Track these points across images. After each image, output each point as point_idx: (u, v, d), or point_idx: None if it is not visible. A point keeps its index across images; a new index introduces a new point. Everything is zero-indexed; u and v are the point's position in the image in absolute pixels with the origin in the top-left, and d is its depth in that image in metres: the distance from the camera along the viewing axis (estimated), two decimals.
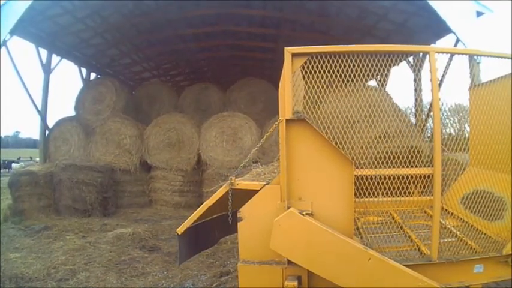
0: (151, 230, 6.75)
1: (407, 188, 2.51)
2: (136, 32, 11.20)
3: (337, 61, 2.31)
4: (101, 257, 5.34)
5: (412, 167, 2.46)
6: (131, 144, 9.56)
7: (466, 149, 2.64)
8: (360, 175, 2.45)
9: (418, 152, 2.50)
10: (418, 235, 2.70)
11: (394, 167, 2.46)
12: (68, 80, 15.76)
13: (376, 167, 2.51)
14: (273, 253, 2.34)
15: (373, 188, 2.46)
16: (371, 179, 2.46)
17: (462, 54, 2.55)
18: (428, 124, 3.43)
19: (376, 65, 2.34)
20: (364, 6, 8.39)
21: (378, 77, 2.46)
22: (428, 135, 2.98)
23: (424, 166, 2.59)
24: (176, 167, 9.42)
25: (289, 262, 2.35)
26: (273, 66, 12.46)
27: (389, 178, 2.44)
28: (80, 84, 11.73)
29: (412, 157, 2.47)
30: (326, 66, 2.31)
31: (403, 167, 2.46)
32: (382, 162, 2.49)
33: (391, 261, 2.18)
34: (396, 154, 2.49)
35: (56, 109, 12.54)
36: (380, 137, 3.52)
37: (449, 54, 2.47)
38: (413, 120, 4.64)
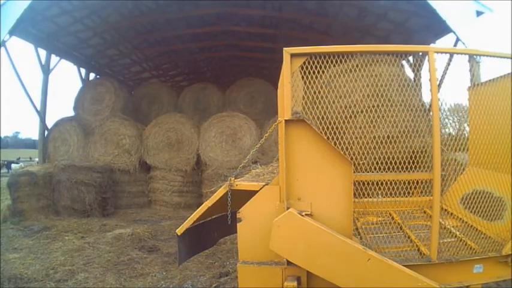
0: (150, 231, 6.74)
1: (407, 189, 2.50)
2: (136, 32, 11.20)
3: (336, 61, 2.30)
4: (100, 257, 5.33)
5: (419, 169, 2.43)
6: (130, 145, 9.55)
7: (465, 149, 2.63)
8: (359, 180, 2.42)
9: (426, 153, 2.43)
10: (417, 235, 2.69)
11: (400, 170, 2.41)
12: (67, 80, 15.76)
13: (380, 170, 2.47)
14: (272, 254, 2.34)
15: (373, 189, 2.46)
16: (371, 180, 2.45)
17: (461, 54, 2.54)
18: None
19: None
20: (364, 5, 8.40)
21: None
22: None
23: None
24: (175, 167, 9.40)
25: (289, 263, 2.34)
26: (273, 66, 12.48)
27: (390, 182, 2.43)
28: (79, 85, 11.74)
29: (421, 158, 2.43)
30: (325, 67, 2.30)
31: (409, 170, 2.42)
32: (386, 165, 2.43)
33: (390, 261, 2.17)
34: (407, 156, 2.42)
35: (55, 109, 12.56)
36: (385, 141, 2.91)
37: (448, 54, 2.46)
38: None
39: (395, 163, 2.44)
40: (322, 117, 2.39)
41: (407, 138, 2.47)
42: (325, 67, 2.30)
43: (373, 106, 2.53)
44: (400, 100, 2.48)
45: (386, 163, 2.46)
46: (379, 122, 2.54)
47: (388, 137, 2.53)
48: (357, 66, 2.46)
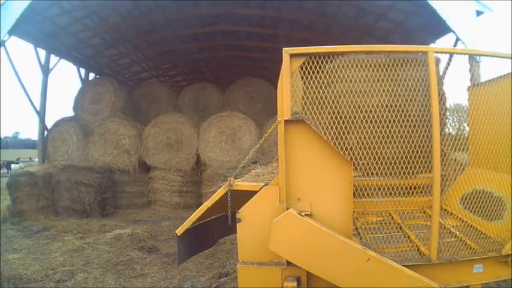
0: (150, 231, 6.72)
1: (407, 189, 2.49)
2: (135, 33, 11.19)
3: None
4: (100, 258, 5.32)
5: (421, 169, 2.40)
6: (130, 145, 9.54)
7: (465, 149, 2.62)
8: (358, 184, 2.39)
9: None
10: (417, 235, 2.69)
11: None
12: (67, 80, 15.74)
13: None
14: (272, 254, 2.33)
15: (372, 189, 2.45)
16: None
17: (461, 54, 2.54)
18: None
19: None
20: (363, 5, 8.39)
21: None
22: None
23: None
24: (175, 168, 9.39)
25: (288, 263, 2.34)
26: (272, 66, 12.45)
27: (390, 183, 2.42)
28: (78, 85, 11.72)
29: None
30: (324, 67, 2.29)
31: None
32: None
33: (390, 261, 2.17)
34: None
35: (54, 110, 12.55)
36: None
37: (448, 54, 2.46)
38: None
39: (397, 171, 2.43)
40: (322, 117, 2.38)
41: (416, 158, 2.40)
42: (324, 67, 2.30)
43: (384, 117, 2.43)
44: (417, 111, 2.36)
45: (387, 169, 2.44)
46: (385, 137, 2.46)
47: (394, 156, 2.42)
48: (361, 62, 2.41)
